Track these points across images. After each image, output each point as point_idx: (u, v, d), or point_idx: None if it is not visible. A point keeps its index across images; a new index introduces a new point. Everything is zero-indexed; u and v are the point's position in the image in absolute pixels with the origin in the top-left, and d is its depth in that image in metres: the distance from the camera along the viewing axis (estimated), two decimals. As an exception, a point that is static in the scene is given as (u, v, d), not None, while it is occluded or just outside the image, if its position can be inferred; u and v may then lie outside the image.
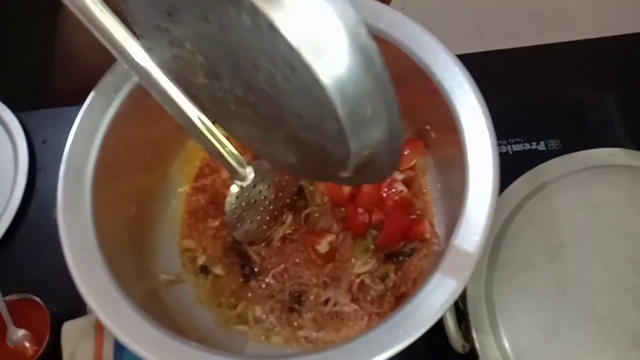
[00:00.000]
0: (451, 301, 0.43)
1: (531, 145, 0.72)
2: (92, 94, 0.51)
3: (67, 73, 0.89)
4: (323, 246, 0.58)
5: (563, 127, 0.73)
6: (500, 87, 0.74)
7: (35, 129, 0.77)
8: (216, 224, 0.61)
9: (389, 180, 0.59)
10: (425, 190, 0.61)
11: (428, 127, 0.59)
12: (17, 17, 0.81)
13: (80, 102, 0.52)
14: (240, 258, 0.59)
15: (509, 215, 0.55)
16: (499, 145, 0.73)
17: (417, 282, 0.56)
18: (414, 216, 0.60)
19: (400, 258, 0.57)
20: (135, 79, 0.50)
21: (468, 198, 0.48)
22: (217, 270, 0.59)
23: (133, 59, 0.46)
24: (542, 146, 0.72)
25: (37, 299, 0.62)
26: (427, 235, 0.57)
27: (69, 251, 0.47)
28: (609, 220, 0.53)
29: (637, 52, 0.80)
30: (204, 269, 0.59)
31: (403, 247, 0.58)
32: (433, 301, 0.43)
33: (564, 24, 1.63)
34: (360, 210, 0.59)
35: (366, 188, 0.58)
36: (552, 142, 0.72)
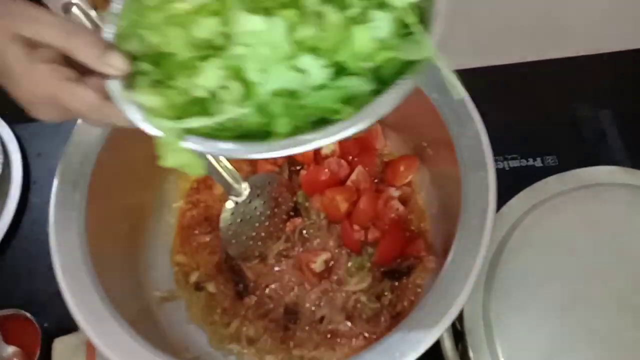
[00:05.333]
0: (448, 322, 0.42)
1: (527, 161, 0.72)
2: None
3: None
4: (319, 264, 0.57)
5: (559, 144, 0.72)
6: (496, 103, 0.73)
7: (30, 141, 0.77)
8: (210, 239, 0.60)
9: (385, 197, 0.59)
10: (421, 207, 0.60)
11: (425, 144, 0.59)
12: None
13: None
14: (234, 275, 0.58)
15: (506, 233, 0.54)
16: (496, 161, 0.72)
17: (414, 300, 0.55)
18: (411, 233, 0.59)
19: (397, 276, 0.57)
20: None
21: (465, 215, 0.48)
22: (210, 287, 0.58)
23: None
24: (538, 162, 0.72)
25: (28, 315, 0.61)
26: (423, 253, 0.57)
27: (60, 267, 0.46)
28: (609, 238, 0.52)
29: (633, 68, 0.80)
30: (197, 286, 0.58)
31: (399, 264, 0.57)
32: (430, 322, 0.42)
33: (560, 41, 1.64)
34: (356, 227, 0.58)
35: (362, 205, 0.58)
36: (548, 159, 0.72)
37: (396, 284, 0.57)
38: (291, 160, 0.63)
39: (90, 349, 0.60)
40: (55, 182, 0.51)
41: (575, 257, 0.52)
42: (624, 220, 0.53)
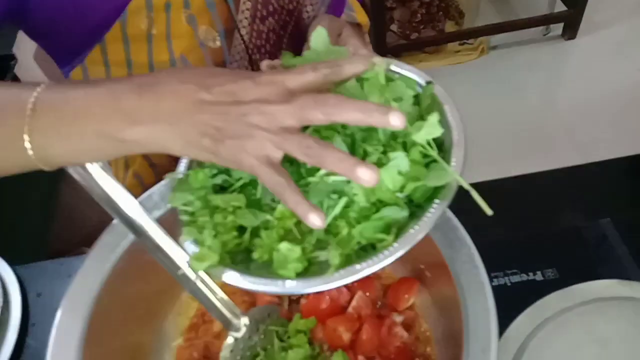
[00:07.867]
0: None
1: (528, 275, 0.71)
2: (88, 255, 0.52)
3: (66, 232, 0.92)
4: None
5: (558, 256, 0.73)
6: (491, 217, 0.75)
7: (31, 281, 0.77)
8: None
9: (388, 324, 0.57)
10: (426, 332, 0.59)
11: (422, 266, 0.59)
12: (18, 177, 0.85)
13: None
14: (236, 418, 0.55)
15: (514, 356, 0.52)
16: (497, 277, 0.72)
17: None
18: (417, 361, 0.57)
19: (405, 409, 0.54)
20: (130, 237, 0.51)
21: (468, 340, 0.46)
22: None
23: (129, 216, 0.48)
24: (539, 276, 0.71)
25: None
26: (431, 382, 0.54)
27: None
28: (617, 356, 0.51)
29: (624, 175, 0.83)
30: None
31: (407, 397, 0.55)
32: None
33: (549, 154, 1.71)
34: (360, 357, 0.56)
35: (365, 334, 0.57)
36: (548, 272, 0.71)
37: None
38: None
39: None
40: (53, 333, 0.50)
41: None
42: (632, 335, 0.52)
